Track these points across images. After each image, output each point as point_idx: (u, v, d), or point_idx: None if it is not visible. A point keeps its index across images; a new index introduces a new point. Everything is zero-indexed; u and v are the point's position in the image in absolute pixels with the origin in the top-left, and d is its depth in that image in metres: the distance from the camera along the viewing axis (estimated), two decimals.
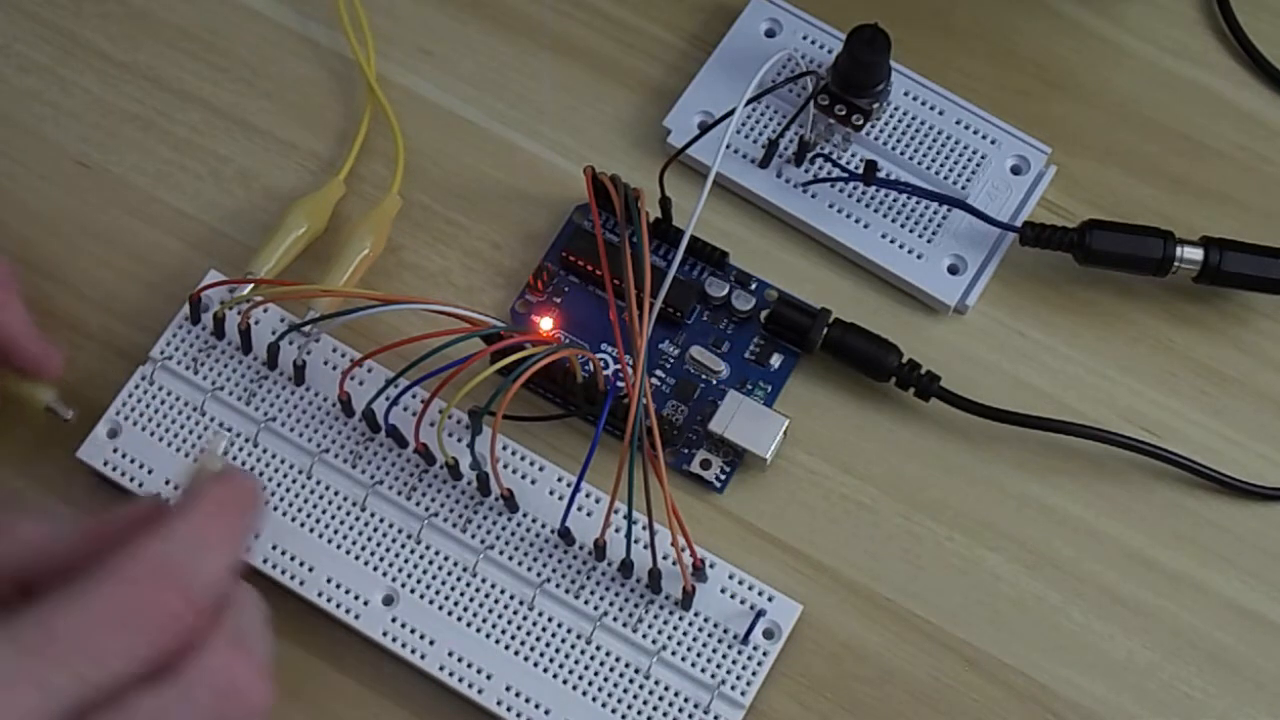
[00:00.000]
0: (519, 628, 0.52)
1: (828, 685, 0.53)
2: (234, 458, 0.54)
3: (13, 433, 0.55)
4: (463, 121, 0.59)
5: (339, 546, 0.53)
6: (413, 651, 0.52)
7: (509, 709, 0.51)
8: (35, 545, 0.42)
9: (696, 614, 0.52)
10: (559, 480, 0.53)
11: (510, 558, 0.53)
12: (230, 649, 0.41)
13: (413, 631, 0.52)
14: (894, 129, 0.58)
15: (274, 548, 0.53)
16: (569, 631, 0.52)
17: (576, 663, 0.52)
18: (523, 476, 0.54)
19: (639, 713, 0.51)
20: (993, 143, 0.57)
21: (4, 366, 0.54)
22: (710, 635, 0.52)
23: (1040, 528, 0.54)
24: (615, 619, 0.52)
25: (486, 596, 0.52)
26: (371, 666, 0.53)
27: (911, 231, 0.57)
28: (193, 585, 0.40)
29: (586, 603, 0.52)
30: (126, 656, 0.39)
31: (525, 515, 0.53)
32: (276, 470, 0.54)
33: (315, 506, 0.53)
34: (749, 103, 0.56)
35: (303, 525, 0.53)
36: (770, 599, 0.52)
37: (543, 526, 0.53)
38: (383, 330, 0.56)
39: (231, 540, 0.42)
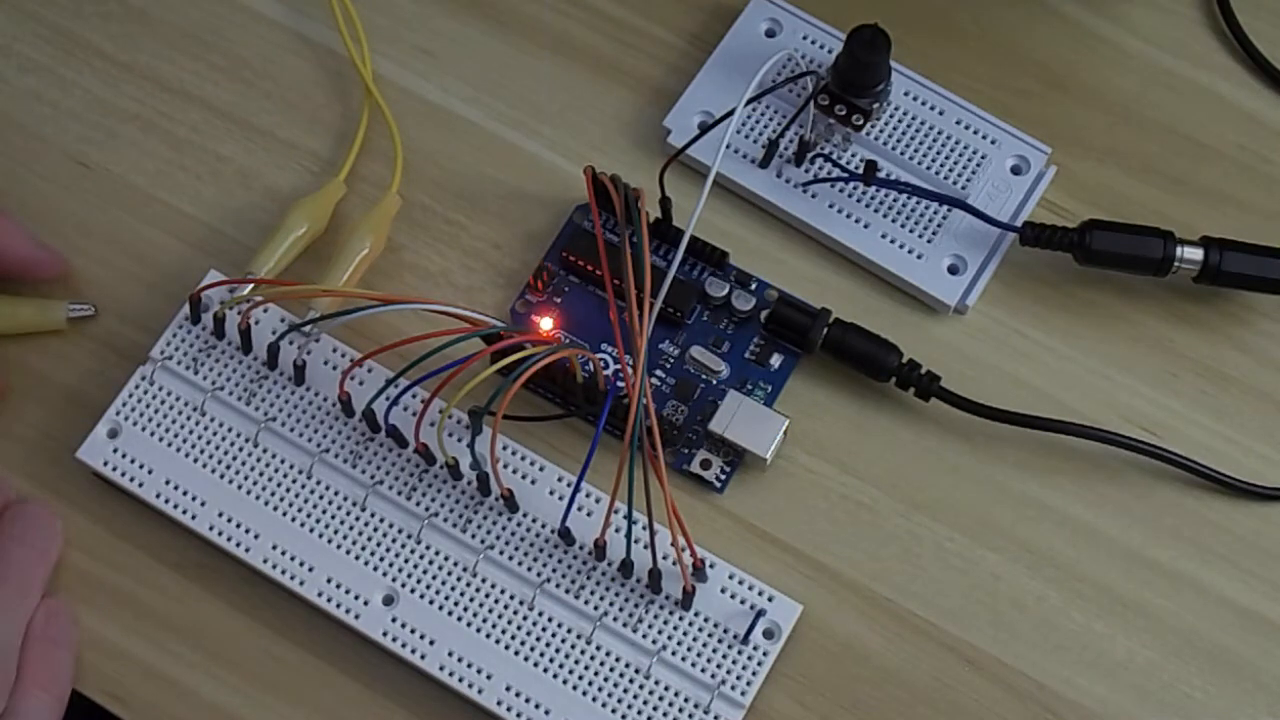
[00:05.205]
0: (519, 628, 0.52)
1: (828, 685, 0.53)
2: (234, 458, 0.54)
3: (13, 432, 0.55)
4: (463, 121, 0.59)
5: (339, 546, 0.53)
6: (413, 651, 0.52)
7: (509, 709, 0.51)
8: None
9: (696, 614, 0.52)
10: (559, 480, 0.53)
11: (510, 558, 0.53)
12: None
13: (413, 631, 0.52)
14: (894, 129, 0.58)
15: (274, 548, 0.53)
16: (569, 631, 0.52)
17: (576, 663, 0.52)
18: (523, 476, 0.54)
19: (639, 713, 0.51)
20: (993, 143, 0.57)
21: (13, 282, 0.56)
22: (710, 635, 0.52)
23: (1040, 528, 0.54)
24: (615, 619, 0.52)
25: (486, 596, 0.52)
26: (371, 666, 0.53)
27: (911, 231, 0.57)
28: None
29: (586, 603, 0.52)
30: None
31: (525, 515, 0.53)
32: (276, 470, 0.54)
33: (315, 506, 0.53)
34: (749, 103, 0.56)
35: (303, 525, 0.53)
36: (770, 599, 0.52)
37: (543, 526, 0.53)
38: (383, 330, 0.56)
39: None
